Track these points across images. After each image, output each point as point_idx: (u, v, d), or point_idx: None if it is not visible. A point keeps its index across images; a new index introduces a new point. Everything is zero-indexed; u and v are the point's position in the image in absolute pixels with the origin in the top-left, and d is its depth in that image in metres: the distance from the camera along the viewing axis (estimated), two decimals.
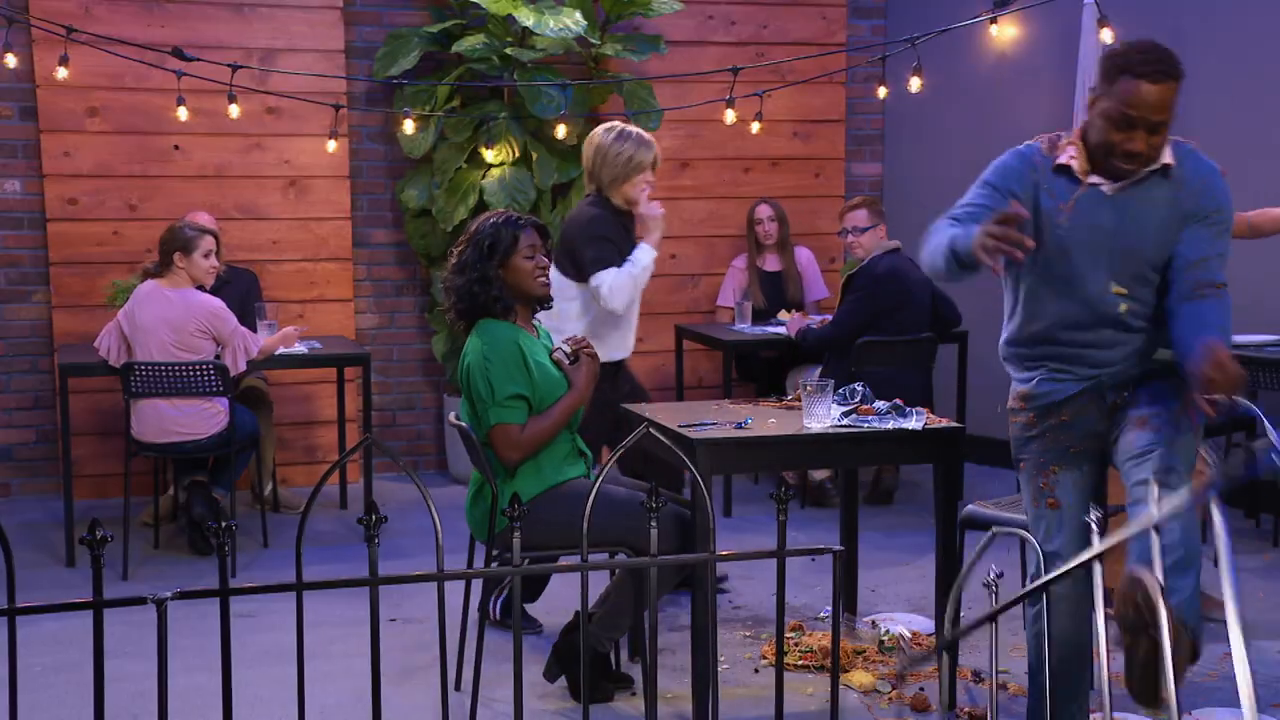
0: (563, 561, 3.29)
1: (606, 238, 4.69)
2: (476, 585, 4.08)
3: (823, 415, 3.94)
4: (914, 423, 3.96)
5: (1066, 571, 2.94)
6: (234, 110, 5.82)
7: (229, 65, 5.68)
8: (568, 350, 3.94)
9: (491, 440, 3.78)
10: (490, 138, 6.49)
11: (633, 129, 4.79)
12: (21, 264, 6.58)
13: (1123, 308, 3.22)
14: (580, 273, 4.71)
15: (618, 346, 4.82)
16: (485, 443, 3.82)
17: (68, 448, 5.66)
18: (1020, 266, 3.23)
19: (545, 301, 3.99)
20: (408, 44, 6.67)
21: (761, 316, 6.88)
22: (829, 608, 4.79)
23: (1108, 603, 2.96)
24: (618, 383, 4.86)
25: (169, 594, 2.18)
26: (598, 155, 4.74)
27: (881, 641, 4.43)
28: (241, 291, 6.23)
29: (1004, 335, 3.54)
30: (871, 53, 6.85)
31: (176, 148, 6.64)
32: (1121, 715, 3.81)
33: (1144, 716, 3.80)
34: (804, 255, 7.16)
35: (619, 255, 4.68)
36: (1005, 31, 5.52)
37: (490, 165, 6.60)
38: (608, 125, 4.80)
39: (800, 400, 4.05)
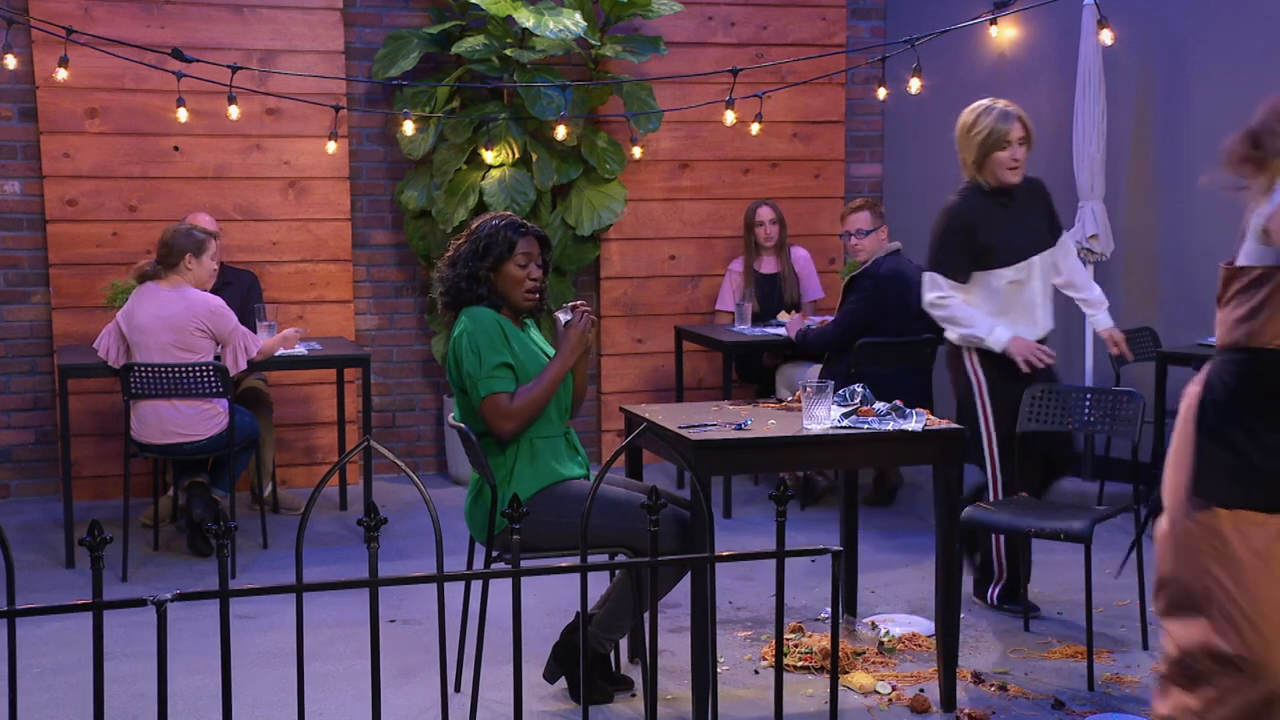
0: (563, 562, 3.29)
1: (947, 247, 4.66)
2: (476, 586, 4.08)
3: (822, 417, 3.94)
4: (914, 424, 3.96)
5: None
6: (234, 111, 5.82)
7: (229, 66, 5.68)
8: (566, 316, 3.92)
9: (483, 414, 3.78)
10: (490, 139, 6.49)
11: (998, 104, 4.66)
12: (21, 265, 6.58)
13: None
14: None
15: (1021, 326, 4.69)
16: (482, 432, 3.82)
17: (67, 449, 5.66)
18: None
19: (530, 314, 4.00)
20: (407, 45, 6.67)
21: (757, 320, 6.88)
22: (829, 609, 4.79)
23: None
24: (1033, 368, 4.67)
25: (169, 595, 2.18)
26: (960, 137, 4.69)
27: (881, 643, 4.43)
28: (241, 293, 6.23)
29: None
30: (871, 54, 6.85)
31: (176, 149, 6.65)
32: (1119, 716, 3.81)
33: (1141, 717, 3.80)
34: (800, 255, 7.15)
35: (965, 259, 4.64)
36: (1005, 33, 5.52)
37: (490, 166, 6.60)
38: (973, 105, 4.71)
39: (800, 401, 4.05)
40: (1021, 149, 4.63)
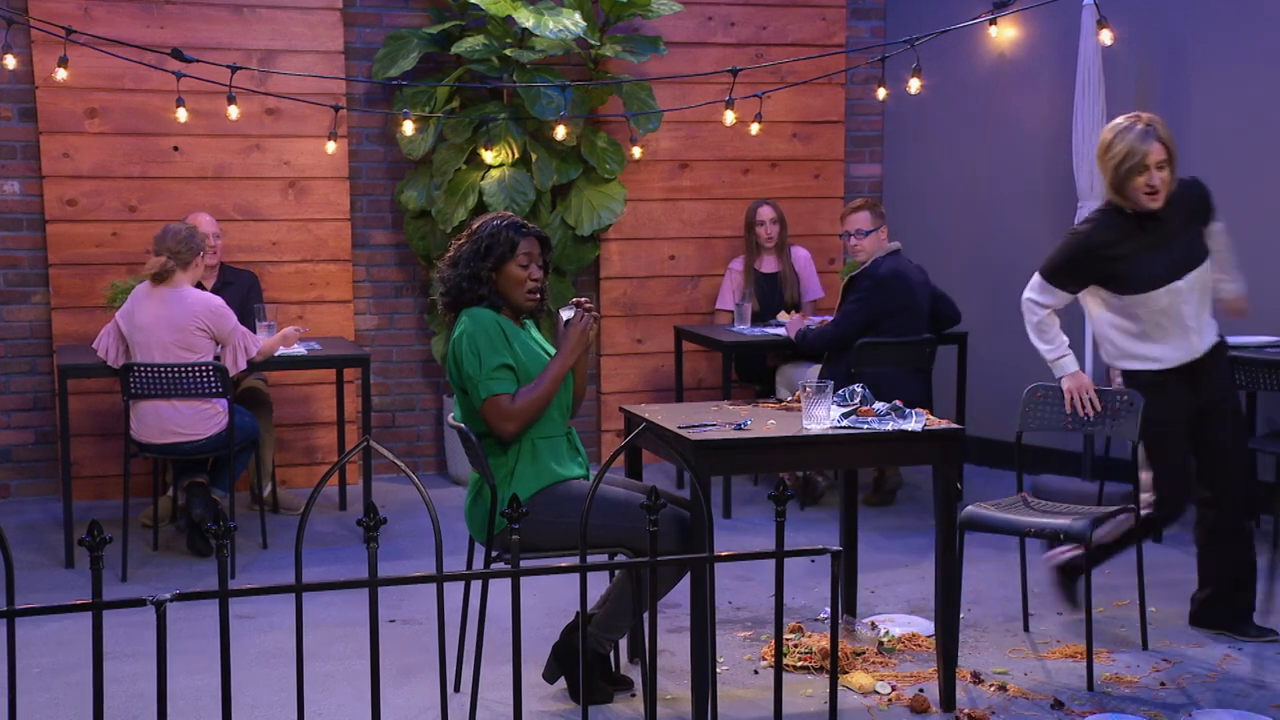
0: (562, 562, 3.29)
1: (1062, 263, 4.41)
2: (476, 586, 4.08)
3: (822, 417, 3.94)
4: (914, 424, 3.96)
5: None
6: (233, 111, 5.82)
7: (228, 66, 5.68)
8: (569, 313, 3.92)
9: (485, 416, 3.78)
10: (490, 139, 6.49)
11: (1140, 121, 4.26)
12: (21, 265, 6.58)
13: None
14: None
15: (1168, 348, 4.41)
16: (482, 433, 3.82)
17: (67, 449, 5.66)
18: None
19: (530, 315, 4.01)
20: (407, 45, 6.67)
21: (757, 319, 6.88)
22: (828, 609, 4.79)
23: None
24: (1196, 386, 4.40)
25: (168, 595, 2.18)
26: (1098, 158, 4.35)
27: (881, 643, 4.43)
28: (242, 292, 6.23)
29: None
30: (871, 54, 6.86)
31: (176, 149, 6.64)
32: (1119, 716, 3.81)
33: (1140, 717, 3.81)
34: (801, 255, 7.16)
35: (1080, 282, 4.40)
36: (1005, 33, 5.52)
37: (490, 166, 6.60)
38: (1115, 121, 4.33)
39: (800, 401, 4.05)
40: (1161, 173, 4.23)
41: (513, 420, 3.77)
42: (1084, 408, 4.49)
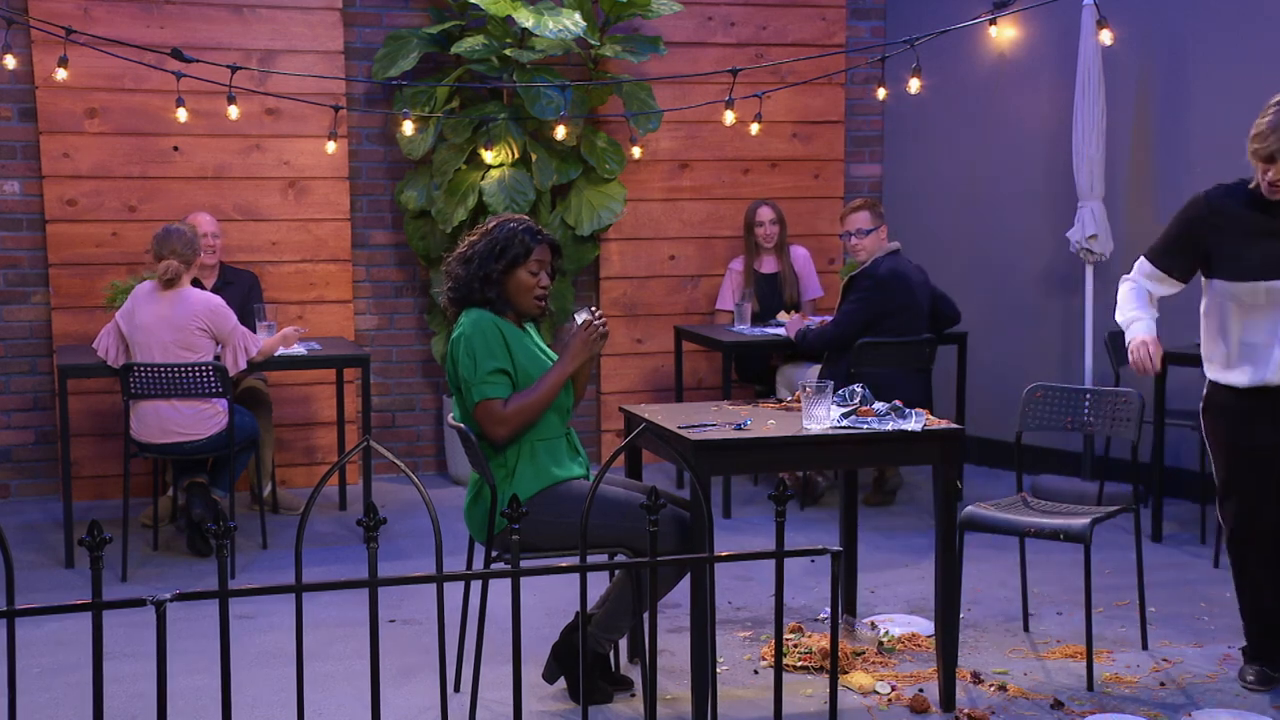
0: (562, 562, 3.29)
1: (1171, 232, 3.96)
2: (476, 586, 4.08)
3: (822, 417, 3.94)
4: (913, 424, 3.96)
5: None
6: (233, 111, 5.82)
7: (228, 66, 5.68)
8: (580, 319, 3.92)
9: (477, 419, 3.78)
10: (489, 139, 6.49)
11: None
12: (20, 265, 6.58)
13: None
14: None
15: (1235, 369, 3.91)
16: (479, 434, 3.82)
17: (67, 449, 5.66)
18: None
19: (536, 321, 4.02)
20: (407, 45, 6.67)
21: (757, 319, 6.89)
22: (828, 609, 4.79)
23: None
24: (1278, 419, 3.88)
25: (168, 595, 2.18)
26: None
27: (881, 643, 4.43)
28: (242, 293, 6.23)
29: None
30: (871, 54, 6.86)
31: (176, 149, 6.64)
32: (1119, 716, 3.81)
33: (1140, 717, 3.81)
34: (800, 254, 7.16)
35: (1181, 259, 3.94)
36: (1005, 33, 5.52)
37: (489, 166, 6.60)
38: None
39: (800, 401, 4.05)
40: None
41: (504, 424, 3.77)
42: (1143, 363, 3.93)
